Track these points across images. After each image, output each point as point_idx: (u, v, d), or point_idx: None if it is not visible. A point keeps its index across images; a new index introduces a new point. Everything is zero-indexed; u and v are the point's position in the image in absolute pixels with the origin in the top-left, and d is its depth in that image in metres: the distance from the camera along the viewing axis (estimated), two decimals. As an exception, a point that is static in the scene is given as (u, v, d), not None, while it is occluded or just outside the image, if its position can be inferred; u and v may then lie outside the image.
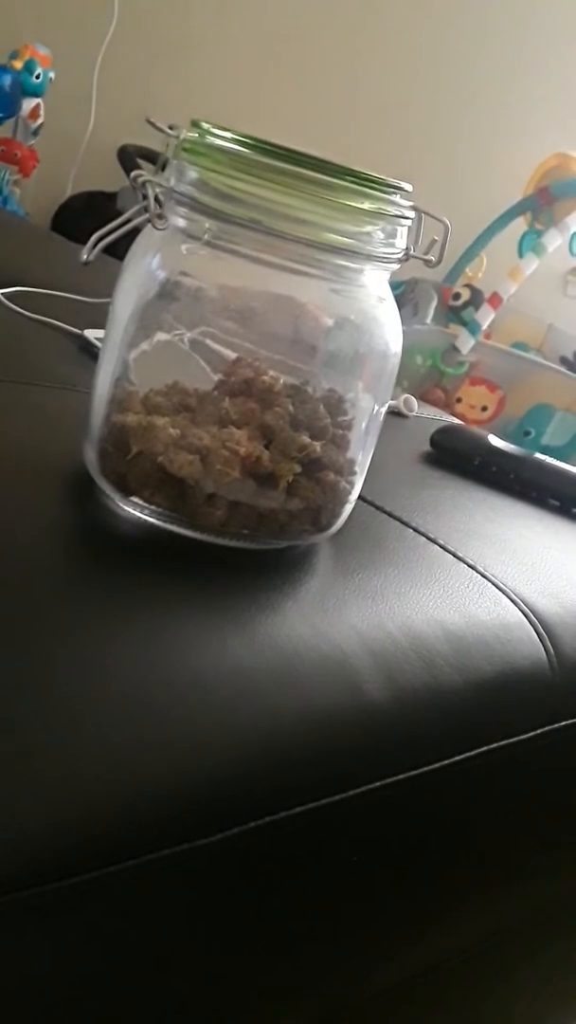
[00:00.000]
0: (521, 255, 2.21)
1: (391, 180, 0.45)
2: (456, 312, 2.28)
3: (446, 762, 0.45)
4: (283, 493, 0.47)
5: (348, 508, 0.52)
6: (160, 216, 0.45)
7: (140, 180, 0.45)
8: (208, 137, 0.45)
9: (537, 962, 0.66)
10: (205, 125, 0.45)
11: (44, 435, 0.56)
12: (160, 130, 0.46)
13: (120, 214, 0.45)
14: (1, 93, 1.85)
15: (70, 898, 0.31)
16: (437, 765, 0.44)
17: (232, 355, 0.49)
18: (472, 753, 0.46)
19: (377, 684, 0.43)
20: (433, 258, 0.48)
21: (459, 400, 2.12)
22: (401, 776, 0.43)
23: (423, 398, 2.03)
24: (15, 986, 0.30)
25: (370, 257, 0.46)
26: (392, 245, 0.47)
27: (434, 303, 2.27)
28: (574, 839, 0.59)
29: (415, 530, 0.60)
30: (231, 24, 2.25)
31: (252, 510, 0.47)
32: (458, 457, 0.77)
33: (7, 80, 1.84)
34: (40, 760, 0.32)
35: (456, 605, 0.51)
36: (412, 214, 0.47)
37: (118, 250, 0.48)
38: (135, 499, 0.47)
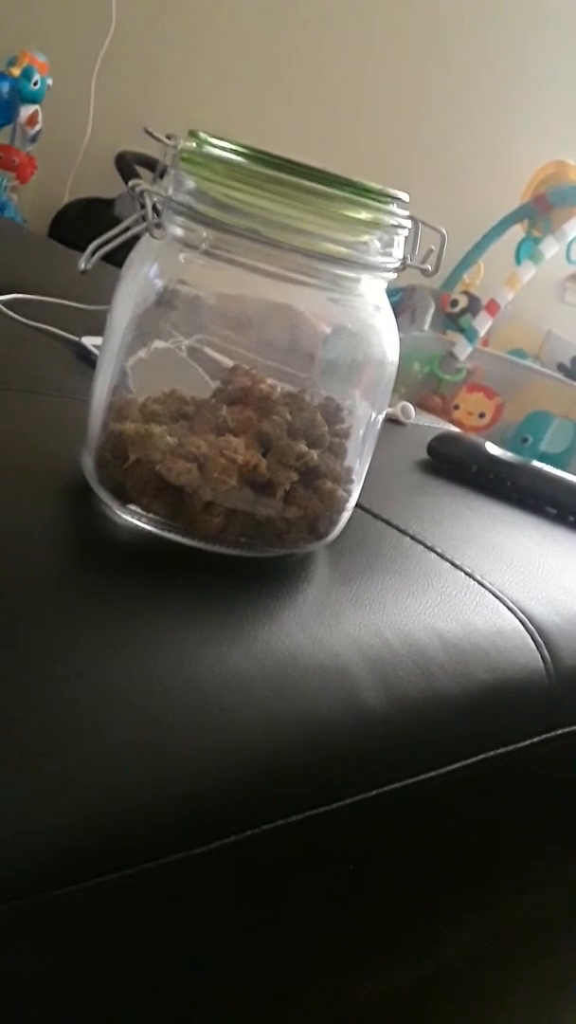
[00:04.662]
0: (518, 262, 2.22)
1: (388, 190, 0.46)
2: (454, 319, 2.29)
3: (443, 770, 0.45)
4: (280, 501, 0.47)
5: (345, 516, 0.52)
6: (158, 225, 0.45)
7: (138, 189, 0.45)
8: (206, 147, 0.45)
9: (539, 967, 0.66)
10: (203, 135, 0.45)
11: (42, 443, 0.56)
12: (158, 140, 0.46)
13: (118, 220, 0.45)
14: (-1, 100, 1.85)
15: (68, 906, 0.31)
16: (434, 773, 0.44)
17: (230, 363, 0.49)
18: (469, 761, 0.46)
19: (374, 692, 0.43)
20: (430, 267, 0.49)
21: (457, 407, 2.12)
22: (398, 784, 0.43)
23: (421, 405, 2.03)
24: (12, 995, 0.30)
25: (367, 266, 0.46)
26: (389, 254, 0.47)
27: (432, 310, 2.27)
28: (571, 846, 0.59)
29: (412, 538, 0.60)
30: (229, 31, 2.26)
31: (250, 518, 0.47)
32: (455, 464, 0.77)
33: (5, 87, 1.85)
34: (38, 768, 0.32)
35: (453, 613, 0.51)
36: (409, 224, 0.47)
37: (116, 257, 0.48)
38: (133, 507, 0.47)
